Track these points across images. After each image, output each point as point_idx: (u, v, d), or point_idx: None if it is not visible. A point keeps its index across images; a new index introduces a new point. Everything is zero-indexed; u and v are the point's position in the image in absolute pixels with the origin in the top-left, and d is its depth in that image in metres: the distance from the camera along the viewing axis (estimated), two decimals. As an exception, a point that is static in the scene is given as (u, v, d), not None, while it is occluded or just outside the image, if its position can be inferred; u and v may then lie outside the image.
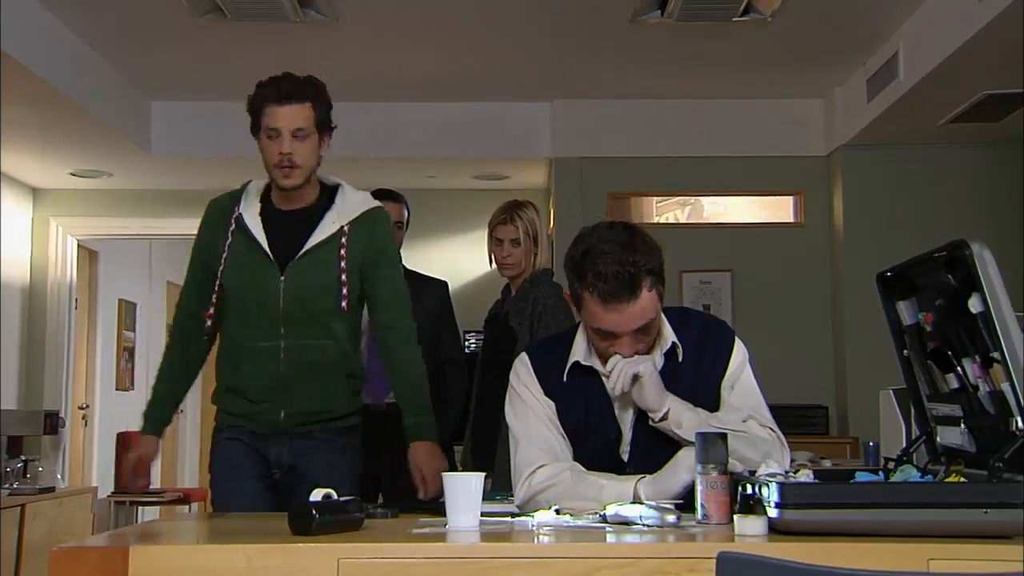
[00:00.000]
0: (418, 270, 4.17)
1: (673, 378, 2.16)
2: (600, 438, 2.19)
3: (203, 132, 6.06)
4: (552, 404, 2.22)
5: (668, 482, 2.02)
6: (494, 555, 1.63)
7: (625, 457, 2.17)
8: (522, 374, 2.27)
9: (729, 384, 2.20)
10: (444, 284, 4.11)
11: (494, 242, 3.72)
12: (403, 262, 4.08)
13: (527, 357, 2.30)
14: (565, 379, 2.22)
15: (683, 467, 2.00)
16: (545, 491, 2.12)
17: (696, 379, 2.18)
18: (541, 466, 2.15)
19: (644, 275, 2.07)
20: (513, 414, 2.26)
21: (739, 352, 2.22)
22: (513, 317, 3.59)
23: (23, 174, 6.48)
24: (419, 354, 2.85)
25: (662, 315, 2.21)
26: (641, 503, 1.90)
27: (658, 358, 2.18)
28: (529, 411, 2.23)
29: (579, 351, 2.23)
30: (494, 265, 3.77)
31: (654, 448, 2.13)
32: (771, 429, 2.15)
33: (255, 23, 4.84)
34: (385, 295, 2.79)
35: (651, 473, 2.07)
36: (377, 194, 4.03)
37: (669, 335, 2.20)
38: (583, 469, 2.14)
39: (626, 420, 2.18)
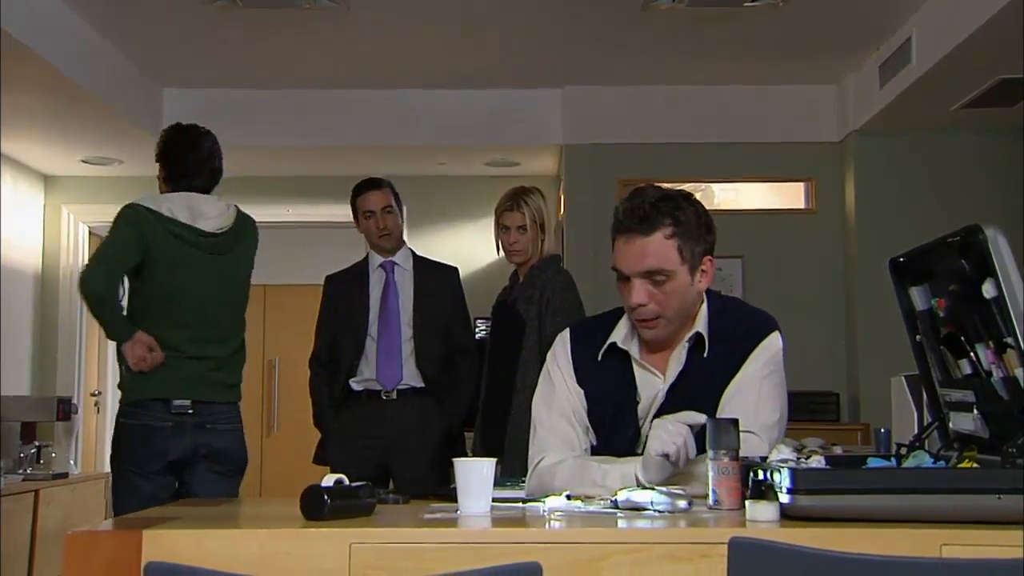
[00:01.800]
0: (429, 257, 4.17)
1: (692, 375, 2.15)
2: (623, 429, 2.18)
3: (215, 119, 5.99)
4: (582, 393, 2.21)
5: (649, 455, 1.99)
6: (505, 540, 1.64)
7: (640, 450, 2.17)
8: (559, 354, 2.26)
9: (731, 392, 2.12)
10: (455, 270, 4.11)
11: (501, 229, 3.71)
12: (412, 248, 4.09)
13: (568, 335, 2.28)
14: (600, 359, 2.20)
15: (654, 437, 1.98)
16: (550, 476, 2.12)
17: (717, 378, 2.14)
18: (550, 454, 2.17)
19: (665, 219, 2.06)
20: (540, 396, 2.26)
21: (758, 357, 2.14)
22: (521, 304, 3.59)
23: (34, 161, 6.49)
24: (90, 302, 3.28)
25: (704, 306, 2.17)
26: (649, 488, 1.89)
27: (683, 352, 2.15)
28: (555, 398, 2.23)
29: (619, 333, 2.21)
30: (501, 252, 3.77)
31: None
32: (753, 432, 2.03)
33: (266, 10, 4.84)
34: None
35: None
36: (361, 185, 4.03)
37: (699, 326, 2.15)
38: (589, 457, 2.14)
39: (653, 407, 2.17)
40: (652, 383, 2.17)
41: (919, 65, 4.94)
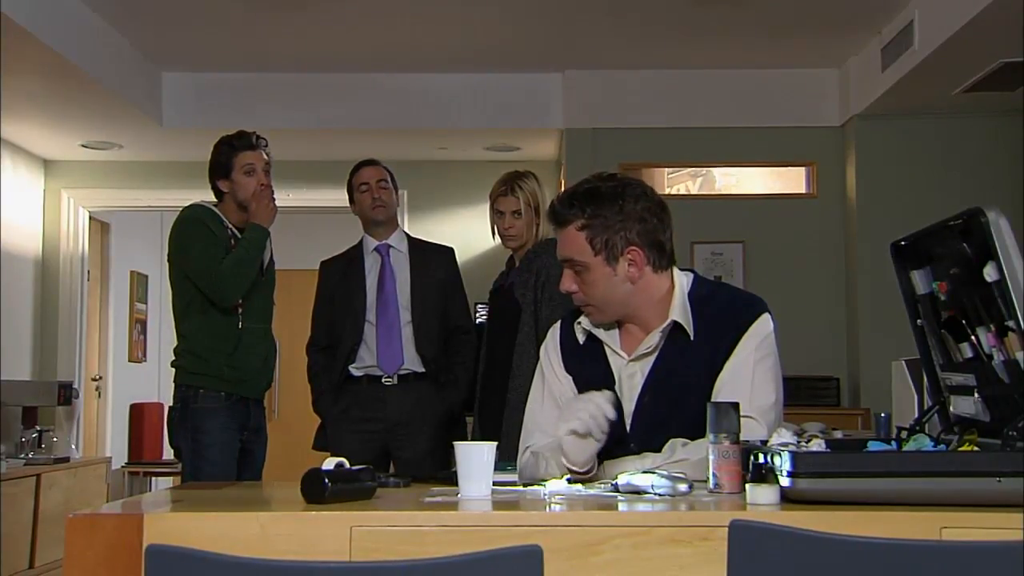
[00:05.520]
0: (426, 239, 4.16)
1: (677, 359, 2.15)
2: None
3: (215, 103, 6.05)
4: (570, 379, 2.24)
5: (561, 437, 2.05)
6: (506, 524, 1.64)
7: (628, 430, 2.17)
8: (549, 345, 2.31)
9: (726, 376, 2.12)
10: (450, 251, 4.10)
11: (496, 214, 3.70)
12: (409, 231, 4.08)
13: (558, 325, 2.33)
14: (582, 343, 2.24)
15: (561, 419, 2.04)
16: (524, 467, 2.20)
17: (705, 362, 2.14)
18: (528, 447, 2.23)
19: (577, 213, 2.13)
20: (533, 387, 2.32)
21: (749, 341, 2.13)
22: (517, 288, 3.58)
23: (34, 146, 6.48)
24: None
25: (682, 292, 2.17)
26: (649, 472, 1.89)
27: (656, 336, 2.16)
28: (545, 390, 2.27)
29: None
30: (498, 238, 3.76)
31: (656, 419, 2.14)
32: (750, 416, 2.04)
33: (265, -7, 4.83)
34: None
35: (655, 444, 2.11)
36: (358, 164, 4.05)
37: (674, 314, 2.16)
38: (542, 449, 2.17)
39: (633, 392, 2.18)
40: (619, 363, 2.20)
41: (921, 48, 4.92)
